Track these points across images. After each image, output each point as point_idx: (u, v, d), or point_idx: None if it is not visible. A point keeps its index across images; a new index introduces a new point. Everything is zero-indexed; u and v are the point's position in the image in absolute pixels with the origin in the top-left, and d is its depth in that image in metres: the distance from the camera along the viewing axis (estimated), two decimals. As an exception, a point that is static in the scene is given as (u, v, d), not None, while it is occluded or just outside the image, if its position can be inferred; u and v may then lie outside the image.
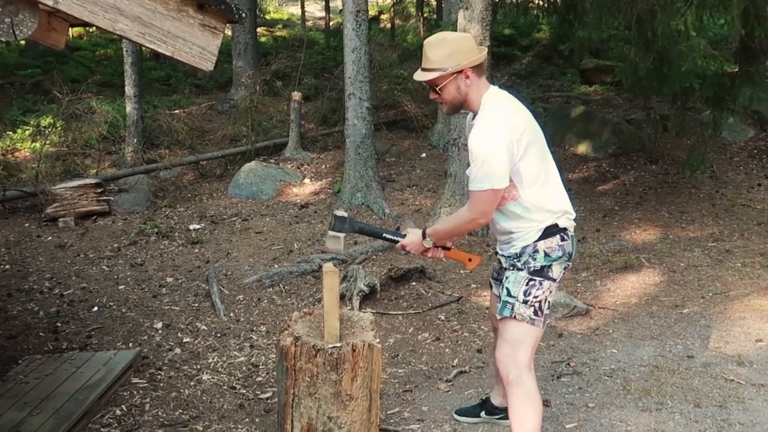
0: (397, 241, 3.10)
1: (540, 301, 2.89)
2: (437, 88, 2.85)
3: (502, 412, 3.54)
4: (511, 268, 2.94)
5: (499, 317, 2.94)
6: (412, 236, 3.08)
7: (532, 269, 2.88)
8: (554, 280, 2.92)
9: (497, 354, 2.98)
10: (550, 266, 2.89)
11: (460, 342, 4.78)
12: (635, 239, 6.91)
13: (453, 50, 2.78)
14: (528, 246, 2.89)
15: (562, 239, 2.90)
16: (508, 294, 2.90)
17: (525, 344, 2.92)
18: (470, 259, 3.21)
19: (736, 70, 7.58)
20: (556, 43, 12.44)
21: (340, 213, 3.07)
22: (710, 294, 5.40)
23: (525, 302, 2.87)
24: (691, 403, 3.68)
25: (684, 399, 3.74)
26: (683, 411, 3.61)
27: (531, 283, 2.87)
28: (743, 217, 7.38)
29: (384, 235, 3.15)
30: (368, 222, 7.65)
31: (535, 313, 2.88)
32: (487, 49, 2.94)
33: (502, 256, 3.03)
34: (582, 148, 10.03)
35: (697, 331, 4.70)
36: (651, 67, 7.37)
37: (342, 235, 3.02)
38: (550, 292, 2.93)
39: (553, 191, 2.92)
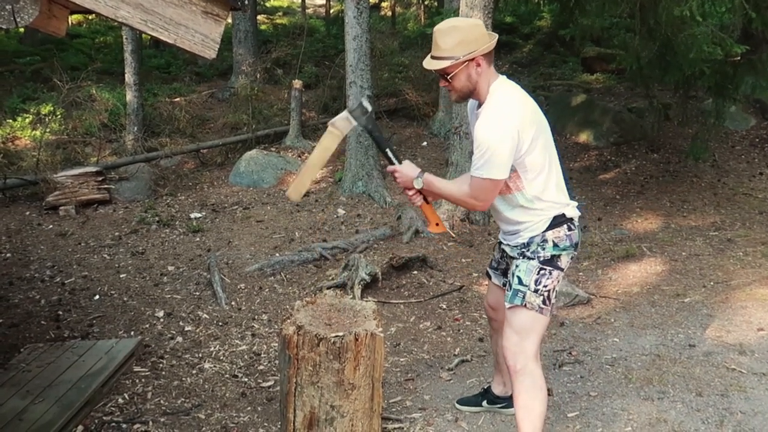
0: (393, 164, 3.03)
1: (549, 291, 2.90)
2: (448, 77, 2.81)
3: (504, 401, 3.55)
4: (519, 257, 2.94)
5: (509, 305, 2.93)
6: (407, 168, 3.00)
7: (542, 258, 2.88)
8: (562, 270, 2.93)
9: (505, 343, 2.98)
10: (559, 256, 2.90)
11: (461, 331, 4.79)
12: (636, 228, 6.91)
13: (464, 38, 2.74)
14: (536, 236, 2.89)
15: (570, 229, 2.91)
16: (520, 282, 2.90)
17: (533, 333, 2.93)
18: (437, 224, 3.16)
19: (739, 58, 7.54)
20: (558, 32, 12.38)
21: (367, 104, 2.98)
22: (712, 283, 5.40)
23: (536, 291, 2.87)
24: (692, 392, 3.69)
25: (686, 388, 3.74)
26: (685, 400, 3.61)
27: (542, 272, 2.88)
28: (745, 206, 7.38)
29: (386, 150, 3.05)
30: (369, 209, 7.65)
31: (544, 302, 2.89)
32: (497, 36, 2.91)
33: (508, 245, 3.02)
34: (583, 137, 10.01)
35: (698, 320, 4.70)
36: (653, 56, 7.33)
37: (354, 123, 2.95)
38: (558, 281, 2.94)
39: (555, 182, 2.92)
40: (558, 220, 2.89)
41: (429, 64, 2.85)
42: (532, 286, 2.88)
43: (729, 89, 7.57)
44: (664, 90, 10.29)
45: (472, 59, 2.76)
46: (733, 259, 5.89)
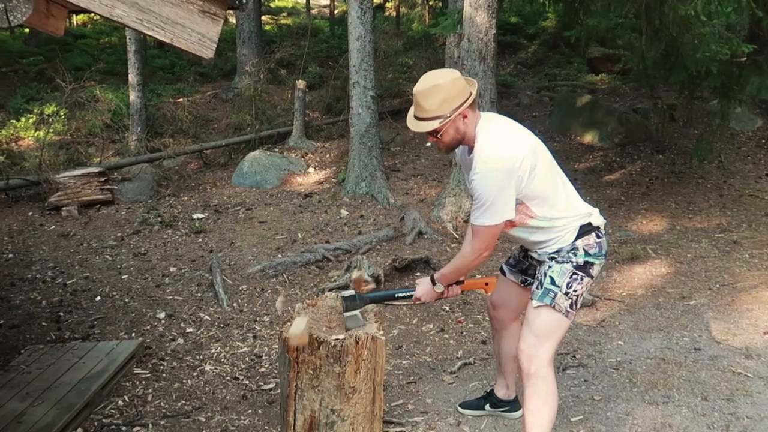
0: (411, 296, 3.09)
1: (578, 296, 2.87)
2: (437, 135, 2.79)
3: (507, 405, 3.52)
4: (550, 260, 2.90)
5: (537, 304, 2.88)
6: (422, 287, 3.06)
7: (575, 264, 2.85)
8: (592, 278, 2.91)
9: (521, 344, 2.93)
10: (592, 264, 2.87)
11: (464, 333, 4.75)
12: (642, 230, 6.86)
13: (448, 95, 2.71)
14: (566, 245, 2.86)
15: (598, 236, 2.89)
16: (552, 282, 2.86)
17: (553, 336, 2.90)
18: (487, 284, 3.19)
19: (745, 59, 7.48)
20: (563, 32, 12.36)
21: (347, 293, 3.03)
22: (717, 285, 5.35)
23: (566, 294, 2.84)
24: (698, 397, 3.64)
25: (691, 392, 3.70)
26: (690, 404, 3.57)
27: (574, 276, 2.85)
28: (751, 208, 7.32)
29: (396, 295, 3.16)
30: (372, 210, 7.61)
31: (571, 306, 2.86)
32: (476, 83, 2.88)
33: (535, 252, 2.98)
34: (588, 138, 9.95)
35: (704, 323, 4.65)
36: (659, 56, 7.28)
37: (357, 312, 2.98)
38: (587, 289, 2.91)
39: (566, 195, 2.89)
40: (585, 229, 2.86)
41: (416, 126, 2.82)
42: (564, 288, 2.84)
43: (735, 90, 7.52)
44: (670, 91, 10.22)
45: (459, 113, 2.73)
46: (739, 261, 5.84)
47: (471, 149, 2.82)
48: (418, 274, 5.76)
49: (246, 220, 7.57)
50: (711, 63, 6.44)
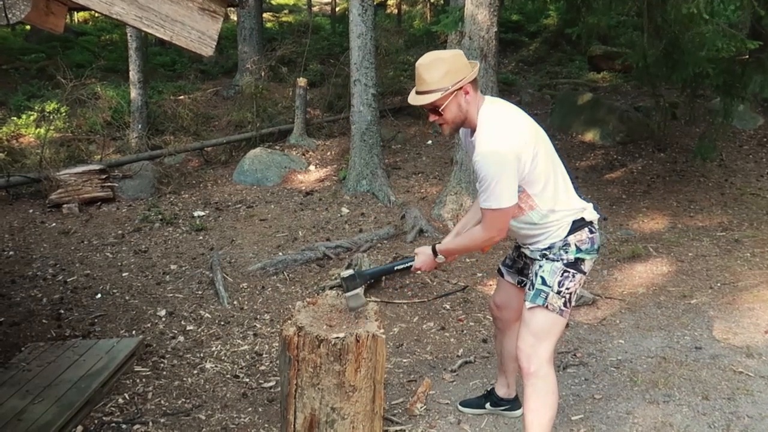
0: (410, 267, 3.09)
1: (571, 293, 2.86)
2: (439, 109, 2.75)
3: (507, 404, 3.52)
4: (542, 258, 2.90)
5: (530, 306, 2.88)
6: (422, 257, 3.07)
7: (566, 261, 2.85)
8: (585, 274, 2.90)
9: (520, 344, 2.93)
10: (583, 260, 2.86)
11: (465, 331, 4.74)
12: (643, 228, 6.85)
13: (450, 68, 2.69)
14: (558, 241, 2.85)
15: (591, 232, 2.88)
16: (543, 283, 2.85)
17: (550, 336, 2.89)
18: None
19: (747, 57, 7.46)
20: (564, 30, 12.35)
21: (346, 273, 3.03)
22: (718, 284, 5.34)
23: (558, 293, 2.84)
24: (699, 396, 3.64)
25: (692, 391, 3.69)
26: (691, 403, 3.57)
27: (565, 274, 2.84)
28: (752, 207, 7.31)
29: (395, 267, 3.16)
30: (373, 208, 7.61)
31: (565, 304, 2.86)
32: (478, 64, 2.87)
33: (528, 249, 2.98)
34: (589, 136, 9.94)
35: (705, 321, 4.65)
36: (660, 54, 7.26)
37: (359, 290, 2.99)
38: (580, 285, 2.91)
39: (564, 188, 2.88)
40: (578, 224, 2.85)
41: (417, 100, 2.78)
42: (556, 288, 2.84)
43: (737, 88, 7.49)
44: (671, 89, 10.21)
45: (461, 88, 2.71)
46: (741, 260, 5.83)
47: (473, 132, 2.81)
48: (419, 272, 5.74)
49: (247, 217, 7.56)
50: (707, 65, 6.42)
